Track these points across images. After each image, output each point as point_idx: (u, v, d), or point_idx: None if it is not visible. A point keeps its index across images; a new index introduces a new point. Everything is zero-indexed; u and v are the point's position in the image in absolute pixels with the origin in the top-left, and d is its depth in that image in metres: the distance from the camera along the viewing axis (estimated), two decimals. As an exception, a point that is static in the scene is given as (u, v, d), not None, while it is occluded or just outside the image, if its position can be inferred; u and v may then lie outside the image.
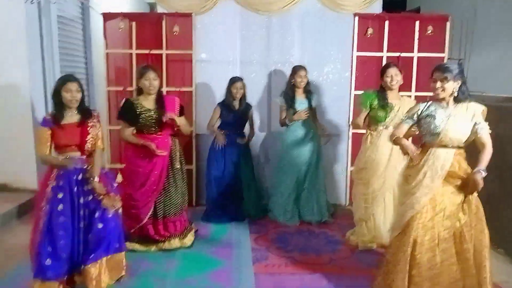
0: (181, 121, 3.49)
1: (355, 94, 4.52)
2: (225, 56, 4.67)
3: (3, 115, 4.50)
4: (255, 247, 3.64)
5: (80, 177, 2.81)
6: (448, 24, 4.51)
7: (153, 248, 3.51)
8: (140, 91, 3.45)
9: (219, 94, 4.57)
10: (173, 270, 3.20)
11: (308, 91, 4.27)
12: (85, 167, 2.83)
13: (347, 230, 3.93)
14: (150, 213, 3.45)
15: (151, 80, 3.37)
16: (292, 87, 4.20)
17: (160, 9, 4.66)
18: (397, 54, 4.48)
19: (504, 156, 3.57)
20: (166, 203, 3.51)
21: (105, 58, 4.59)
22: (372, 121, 3.66)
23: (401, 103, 3.58)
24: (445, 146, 2.63)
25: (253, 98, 4.58)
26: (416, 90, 4.46)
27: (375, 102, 3.58)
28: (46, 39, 4.66)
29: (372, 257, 3.45)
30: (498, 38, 5.86)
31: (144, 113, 3.38)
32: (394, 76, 3.54)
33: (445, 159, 2.61)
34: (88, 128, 2.83)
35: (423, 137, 2.71)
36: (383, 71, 3.61)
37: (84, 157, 2.85)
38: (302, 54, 4.68)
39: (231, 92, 4.18)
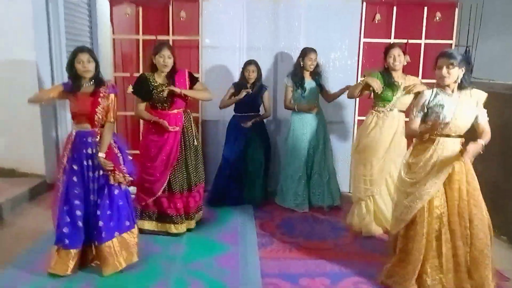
0: (188, 92, 3.48)
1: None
2: (232, 42, 4.65)
3: (10, 101, 4.52)
4: (260, 232, 3.69)
5: (90, 150, 2.86)
6: (456, 11, 4.47)
7: (160, 226, 3.56)
8: (154, 68, 3.47)
9: (226, 80, 4.58)
10: (180, 254, 3.27)
11: (317, 73, 4.26)
12: (96, 140, 2.87)
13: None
14: (163, 187, 3.50)
15: (165, 58, 3.38)
16: (301, 68, 4.19)
17: (166, -5, 4.64)
18: (404, 41, 4.44)
19: (509, 143, 3.57)
20: (179, 178, 3.55)
21: (111, 44, 4.59)
22: (378, 102, 3.64)
23: (406, 82, 3.58)
24: (449, 135, 2.64)
25: (259, 84, 4.58)
26: (423, 77, 4.42)
27: (381, 82, 3.57)
28: (53, 24, 4.66)
29: (375, 243, 3.50)
30: (505, 26, 5.80)
31: (156, 89, 3.42)
32: (397, 57, 3.52)
33: (453, 150, 2.64)
34: (98, 99, 2.84)
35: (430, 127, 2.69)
36: (386, 51, 3.59)
37: (96, 129, 2.87)
38: (308, 41, 4.63)
39: (244, 75, 4.21)
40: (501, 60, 5.72)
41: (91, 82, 2.87)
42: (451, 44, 4.51)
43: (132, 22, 4.56)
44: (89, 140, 2.86)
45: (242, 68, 4.25)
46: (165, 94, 3.40)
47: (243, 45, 4.66)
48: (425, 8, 4.46)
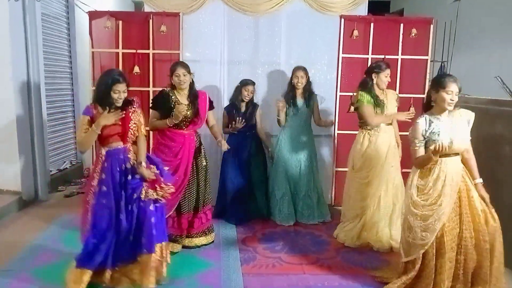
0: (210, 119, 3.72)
1: (340, 95, 4.60)
2: (212, 56, 4.67)
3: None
4: (243, 247, 3.67)
5: (123, 166, 2.83)
6: (431, 27, 4.60)
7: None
8: (173, 87, 3.54)
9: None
10: (162, 271, 3.21)
11: (308, 92, 4.29)
12: (128, 156, 2.85)
13: (333, 229, 4.00)
14: (174, 208, 3.47)
15: (181, 76, 3.45)
16: (292, 87, 4.25)
17: (147, 8, 4.63)
18: (381, 56, 4.54)
19: (485, 156, 3.67)
20: (188, 199, 3.53)
21: (90, 57, 4.54)
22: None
23: (386, 97, 3.71)
24: (449, 155, 2.72)
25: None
26: (400, 92, 4.52)
27: (372, 100, 3.64)
28: (30, 37, 4.57)
29: (357, 256, 3.53)
30: (481, 40, 6.00)
31: (177, 107, 3.44)
32: (388, 77, 3.68)
33: (457, 168, 2.73)
34: (130, 114, 2.84)
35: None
36: (380, 69, 3.64)
37: (127, 145, 2.87)
38: (288, 55, 4.72)
39: (242, 94, 4.21)
40: (475, 75, 5.90)
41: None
42: (427, 59, 4.64)
43: (111, 36, 4.52)
44: (122, 156, 2.84)
45: (239, 86, 4.24)
46: (179, 118, 3.39)
47: (223, 59, 4.69)
48: (401, 25, 4.59)
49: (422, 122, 2.75)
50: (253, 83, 4.27)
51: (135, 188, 2.83)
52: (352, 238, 3.72)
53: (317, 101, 4.38)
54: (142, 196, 2.82)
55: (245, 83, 4.24)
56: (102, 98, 2.80)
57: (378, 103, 3.64)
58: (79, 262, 2.77)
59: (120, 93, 2.78)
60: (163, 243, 2.93)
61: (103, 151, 2.84)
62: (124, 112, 2.81)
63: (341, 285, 3.07)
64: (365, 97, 3.65)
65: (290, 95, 4.27)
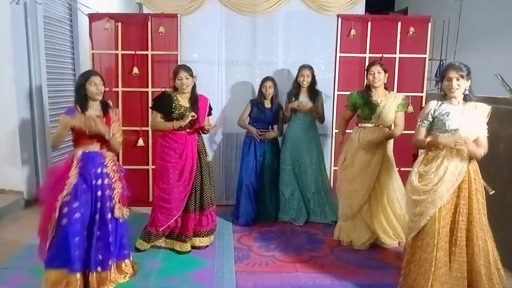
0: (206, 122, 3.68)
1: (338, 94, 4.59)
2: (211, 56, 4.72)
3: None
4: (238, 246, 3.70)
5: (99, 170, 2.87)
6: (429, 26, 4.58)
7: (168, 243, 3.59)
8: (175, 89, 3.60)
9: (205, 94, 4.62)
10: (156, 270, 3.25)
11: (314, 91, 4.32)
12: (104, 161, 2.90)
13: (329, 229, 4.02)
14: (182, 208, 3.52)
15: (183, 79, 3.51)
16: (297, 85, 4.29)
17: (146, 10, 4.69)
18: (379, 55, 4.53)
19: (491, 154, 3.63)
20: (195, 198, 3.58)
21: (90, 59, 4.61)
22: (360, 120, 3.71)
23: (387, 99, 3.63)
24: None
25: (238, 98, 4.65)
26: (398, 91, 4.51)
27: (360, 102, 3.64)
28: (32, 40, 4.67)
29: (350, 255, 3.54)
30: (484, 39, 5.95)
31: (178, 109, 3.50)
32: (377, 74, 3.57)
33: (462, 158, 2.68)
34: (110, 122, 2.93)
35: (436, 135, 2.74)
36: (367, 69, 3.68)
37: (104, 150, 2.92)
38: (286, 55, 4.75)
39: (262, 91, 4.27)
40: (477, 73, 5.84)
41: (98, 105, 2.92)
42: (425, 58, 4.62)
43: (111, 37, 4.59)
44: (98, 160, 2.88)
45: (260, 84, 4.31)
46: (186, 121, 3.45)
47: (221, 60, 4.73)
48: (399, 23, 4.57)
49: (432, 103, 2.77)
50: (271, 79, 4.28)
51: (109, 198, 2.90)
52: (357, 241, 3.67)
53: (322, 99, 4.40)
54: (116, 213, 2.92)
55: (263, 80, 4.30)
56: (80, 94, 2.86)
57: (367, 103, 3.61)
58: (68, 265, 2.73)
59: (97, 85, 2.85)
60: (125, 260, 3.07)
61: (78, 152, 2.85)
62: (94, 123, 2.77)
63: (333, 283, 3.08)
64: (349, 98, 3.75)
65: (293, 93, 4.29)
